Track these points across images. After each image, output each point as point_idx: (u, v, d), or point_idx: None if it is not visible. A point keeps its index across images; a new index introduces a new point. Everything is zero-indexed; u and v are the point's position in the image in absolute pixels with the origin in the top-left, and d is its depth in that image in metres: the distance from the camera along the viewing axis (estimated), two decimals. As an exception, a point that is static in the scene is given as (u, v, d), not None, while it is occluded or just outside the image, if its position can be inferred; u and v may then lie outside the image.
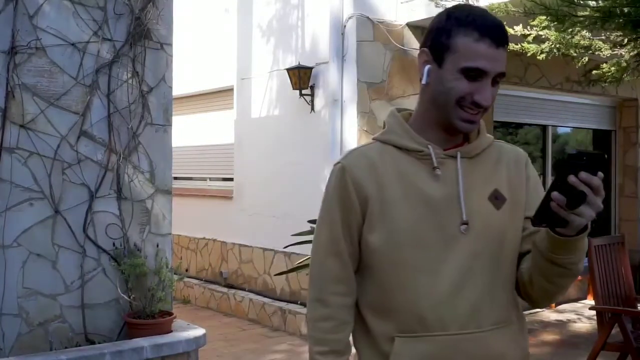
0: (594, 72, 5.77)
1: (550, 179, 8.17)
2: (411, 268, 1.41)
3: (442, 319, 1.39)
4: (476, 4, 5.02)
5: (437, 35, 1.40)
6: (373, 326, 1.47)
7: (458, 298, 1.39)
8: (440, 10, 5.82)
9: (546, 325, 6.77)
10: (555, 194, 1.22)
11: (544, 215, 1.26)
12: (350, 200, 1.47)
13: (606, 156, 1.28)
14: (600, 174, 1.22)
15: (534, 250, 1.37)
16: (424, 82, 1.43)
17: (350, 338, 1.53)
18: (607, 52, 5.15)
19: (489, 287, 1.41)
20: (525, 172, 1.50)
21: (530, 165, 1.53)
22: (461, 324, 1.39)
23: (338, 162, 1.52)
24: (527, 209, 1.45)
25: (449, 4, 5.22)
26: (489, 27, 1.36)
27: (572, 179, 1.20)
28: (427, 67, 1.42)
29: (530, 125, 7.95)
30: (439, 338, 1.39)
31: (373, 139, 1.54)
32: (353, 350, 1.55)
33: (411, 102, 6.11)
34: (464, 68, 1.36)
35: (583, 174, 1.20)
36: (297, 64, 6.29)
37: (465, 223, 1.40)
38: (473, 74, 1.36)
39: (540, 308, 1.52)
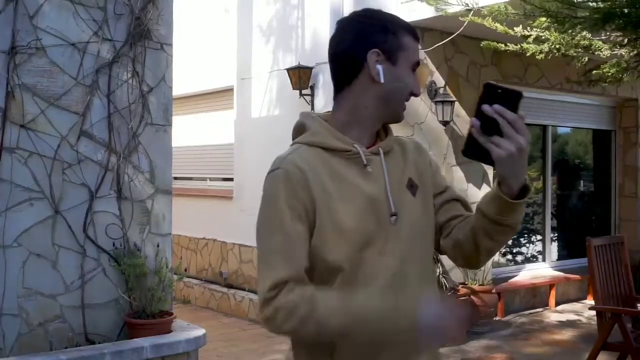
0: (594, 72, 5.77)
1: (550, 179, 8.18)
2: (363, 264, 1.46)
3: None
4: (476, 7, 5.01)
5: (383, 37, 1.50)
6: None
7: (397, 286, 1.47)
8: (441, 13, 5.77)
9: (546, 325, 6.77)
10: (473, 119, 1.35)
11: (470, 146, 1.36)
12: (300, 204, 1.44)
13: (523, 95, 1.35)
14: (521, 114, 1.32)
15: (479, 216, 1.46)
16: (381, 80, 1.50)
17: None
18: (607, 53, 5.15)
19: (423, 269, 1.55)
20: (428, 158, 1.66)
21: (427, 152, 1.71)
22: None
23: (276, 169, 1.48)
24: (435, 188, 1.62)
25: (450, 8, 5.22)
26: (413, 28, 1.57)
27: (484, 107, 1.32)
28: (380, 66, 1.50)
29: (530, 125, 7.94)
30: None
31: (296, 142, 1.55)
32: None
33: (410, 102, 6.08)
34: (415, 62, 1.54)
35: (496, 105, 1.32)
36: (297, 64, 6.29)
37: (394, 214, 1.50)
38: (414, 68, 1.54)
39: (480, 267, 1.62)
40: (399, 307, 1.43)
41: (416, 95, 1.56)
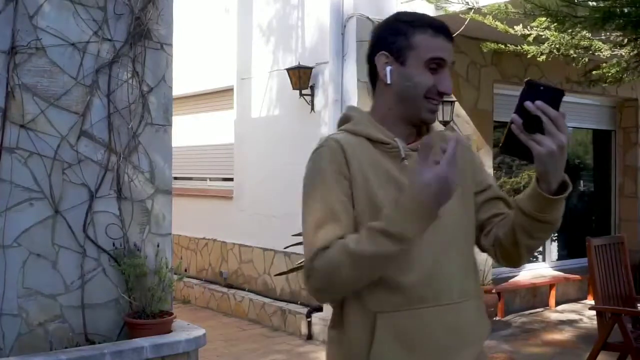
0: (594, 72, 5.77)
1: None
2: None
3: (422, 293, 1.49)
4: (476, 6, 5.02)
5: (393, 38, 1.54)
6: (353, 310, 1.52)
7: (435, 275, 1.50)
8: (441, 12, 5.80)
9: (546, 325, 6.77)
10: (514, 115, 1.34)
11: (510, 142, 1.36)
12: (344, 174, 1.50)
13: (565, 93, 1.35)
14: (562, 111, 1.33)
15: (517, 214, 1.47)
16: (388, 81, 1.55)
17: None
18: (607, 53, 5.15)
19: (458, 262, 1.55)
20: (470, 154, 1.68)
21: (471, 148, 1.73)
22: (437, 297, 1.50)
23: (320, 147, 1.55)
24: (476, 186, 1.62)
25: (450, 7, 5.22)
26: (439, 25, 1.54)
27: (527, 103, 1.32)
28: (388, 68, 1.54)
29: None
30: (417, 311, 1.49)
31: (341, 129, 1.62)
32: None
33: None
34: (429, 59, 1.51)
35: (539, 102, 1.32)
36: (297, 64, 6.29)
37: None
38: (434, 66, 1.51)
39: (521, 265, 1.63)
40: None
41: (440, 92, 1.53)
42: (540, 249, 8.12)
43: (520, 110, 1.33)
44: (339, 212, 1.46)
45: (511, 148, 1.37)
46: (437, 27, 1.53)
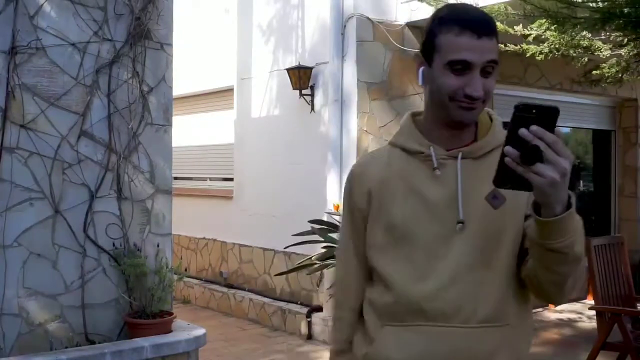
0: (593, 72, 5.78)
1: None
2: (404, 262, 1.47)
3: (430, 310, 1.43)
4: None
5: (426, 38, 1.46)
6: (368, 316, 1.56)
7: (447, 292, 1.42)
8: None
9: (546, 324, 6.77)
10: (507, 148, 1.17)
11: (504, 176, 1.20)
12: (354, 201, 1.58)
13: (559, 110, 1.18)
14: (559, 130, 1.17)
15: (529, 242, 1.36)
16: (420, 83, 1.51)
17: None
18: (606, 53, 5.15)
19: (479, 285, 1.42)
20: None
21: None
22: (447, 317, 1.42)
23: (351, 168, 1.66)
24: (528, 208, 1.39)
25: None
26: (469, 20, 1.39)
27: (522, 131, 1.15)
28: (421, 69, 1.50)
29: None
30: (425, 328, 1.44)
31: (388, 142, 1.64)
32: None
33: (411, 103, 6.11)
34: (448, 62, 1.39)
35: (534, 127, 1.15)
36: (297, 64, 6.29)
37: (461, 222, 1.43)
38: (459, 67, 1.38)
39: (558, 304, 1.49)
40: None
41: (471, 97, 1.39)
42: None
43: (513, 139, 1.16)
44: (349, 246, 1.61)
45: (506, 182, 1.21)
46: (464, 23, 1.38)
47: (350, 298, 1.61)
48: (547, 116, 1.17)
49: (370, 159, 1.63)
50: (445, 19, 1.41)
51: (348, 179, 1.62)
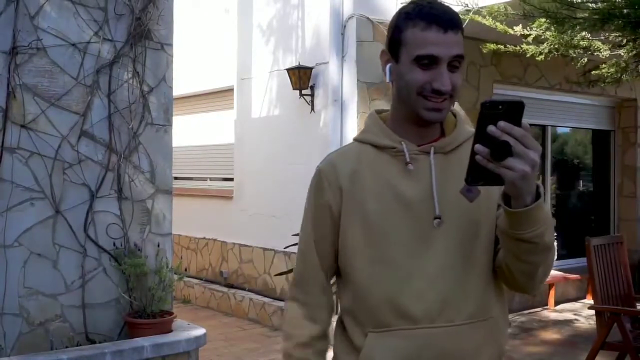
0: (593, 72, 5.78)
1: (549, 179, 8.19)
2: (384, 263, 1.43)
3: (414, 313, 1.40)
4: (475, 8, 5.02)
5: (393, 34, 1.45)
6: (349, 325, 1.51)
7: (429, 292, 1.40)
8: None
9: (545, 324, 6.78)
10: (477, 145, 1.19)
11: (476, 173, 1.22)
12: (325, 199, 1.52)
13: (524, 104, 1.21)
14: (526, 124, 1.20)
15: (499, 233, 1.37)
16: (387, 80, 1.48)
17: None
18: (606, 53, 5.16)
19: (461, 282, 1.42)
20: None
21: None
22: (432, 318, 1.40)
23: (317, 167, 1.57)
24: (498, 198, 1.42)
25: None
26: (435, 15, 1.38)
27: (491, 128, 1.18)
28: (388, 65, 1.47)
29: (529, 125, 7.94)
30: (409, 332, 1.41)
31: (353, 139, 1.60)
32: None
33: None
34: (416, 57, 1.38)
35: (502, 123, 1.18)
36: (297, 64, 6.30)
37: (438, 217, 1.42)
38: (426, 62, 1.38)
39: (530, 293, 1.50)
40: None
41: (439, 92, 1.39)
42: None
43: (482, 136, 1.19)
44: (308, 245, 1.58)
45: (478, 179, 1.23)
46: (430, 18, 1.38)
47: (308, 292, 1.58)
48: (514, 111, 1.19)
49: (337, 156, 1.56)
50: (411, 14, 1.40)
51: (315, 176, 1.56)
